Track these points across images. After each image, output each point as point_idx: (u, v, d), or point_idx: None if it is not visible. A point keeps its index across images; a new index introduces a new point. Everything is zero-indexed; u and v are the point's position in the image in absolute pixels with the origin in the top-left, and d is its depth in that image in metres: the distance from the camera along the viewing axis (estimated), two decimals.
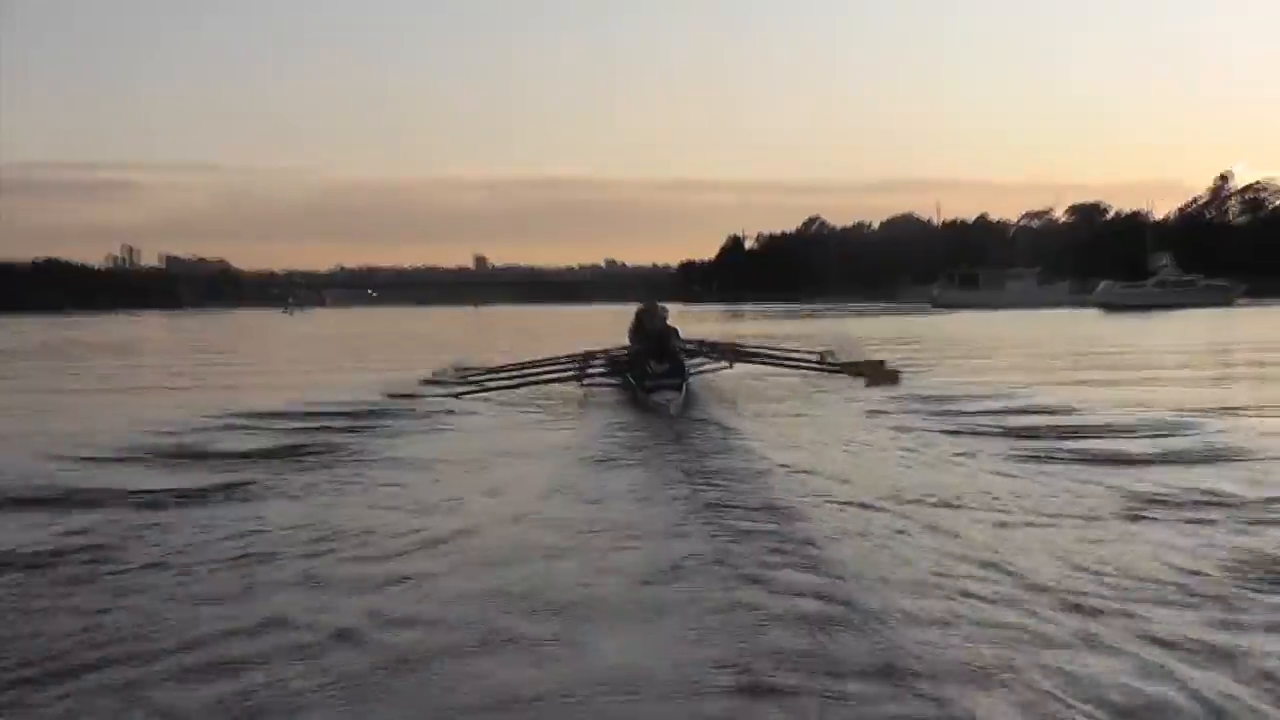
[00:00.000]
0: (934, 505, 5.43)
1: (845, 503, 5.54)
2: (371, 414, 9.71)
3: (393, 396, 11.10)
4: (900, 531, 4.93)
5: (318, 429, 8.72)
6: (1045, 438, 7.61)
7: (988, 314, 58.57)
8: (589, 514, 5.36)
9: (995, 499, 5.56)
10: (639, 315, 12.88)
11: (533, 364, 13.91)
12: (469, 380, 12.85)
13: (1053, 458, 6.84)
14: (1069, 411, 9.19)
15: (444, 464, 7.05)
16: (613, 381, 12.35)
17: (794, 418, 9.56)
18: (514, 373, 13.40)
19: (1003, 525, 5.05)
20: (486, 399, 11.33)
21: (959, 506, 5.40)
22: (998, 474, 6.28)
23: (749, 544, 4.65)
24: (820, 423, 9.14)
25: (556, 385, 12.27)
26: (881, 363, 13.89)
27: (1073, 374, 14.78)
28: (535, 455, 7.50)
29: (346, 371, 16.99)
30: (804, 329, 37.73)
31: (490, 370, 14.19)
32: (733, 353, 13.35)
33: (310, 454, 7.47)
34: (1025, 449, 7.13)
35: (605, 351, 13.40)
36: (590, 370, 12.52)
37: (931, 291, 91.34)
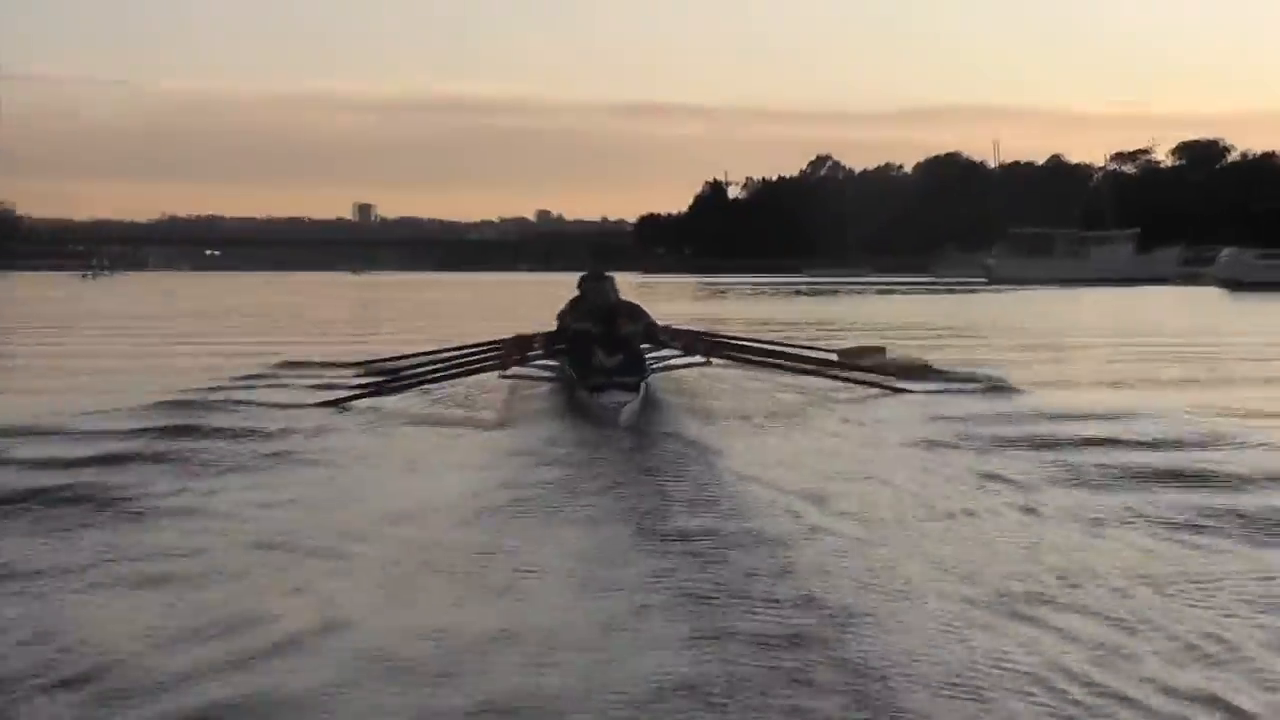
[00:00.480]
0: (1105, 622, 4.84)
1: (945, 608, 4.97)
2: (164, 436, 9.42)
3: (198, 407, 11.20)
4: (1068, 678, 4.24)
5: (63, 465, 8.20)
6: (1194, 485, 7.55)
7: (1067, 292, 58.73)
8: (486, 621, 4.82)
9: (1194, 601, 5.14)
10: (580, 286, 13.24)
11: (434, 354, 14.51)
12: (332, 381, 13.30)
13: (1215, 520, 6.60)
14: (1220, 443, 9.13)
15: (248, 526, 6.56)
16: (546, 373, 12.76)
17: (809, 441, 9.65)
18: (408, 367, 13.83)
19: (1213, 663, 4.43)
20: (358, 408, 11.40)
21: (1140, 626, 4.80)
22: (1161, 552, 5.99)
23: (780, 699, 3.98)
24: (853, 453, 9.13)
25: (466, 380, 12.67)
26: (926, 365, 14.75)
27: (1215, 387, 14.29)
28: (415, 501, 7.20)
29: (130, 373, 16.26)
30: (808, 312, 37.44)
31: (368, 364, 14.94)
32: (711, 344, 13.63)
33: (60, 503, 7.05)
34: (1174, 508, 6.87)
35: (539, 336, 13.74)
36: (517, 359, 12.84)
37: (985, 261, 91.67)
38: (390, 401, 11.67)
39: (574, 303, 13.35)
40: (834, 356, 15.00)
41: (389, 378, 13.05)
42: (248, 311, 39.99)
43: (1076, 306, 41.77)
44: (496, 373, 12.37)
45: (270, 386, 13.02)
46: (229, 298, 54.83)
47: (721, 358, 13.41)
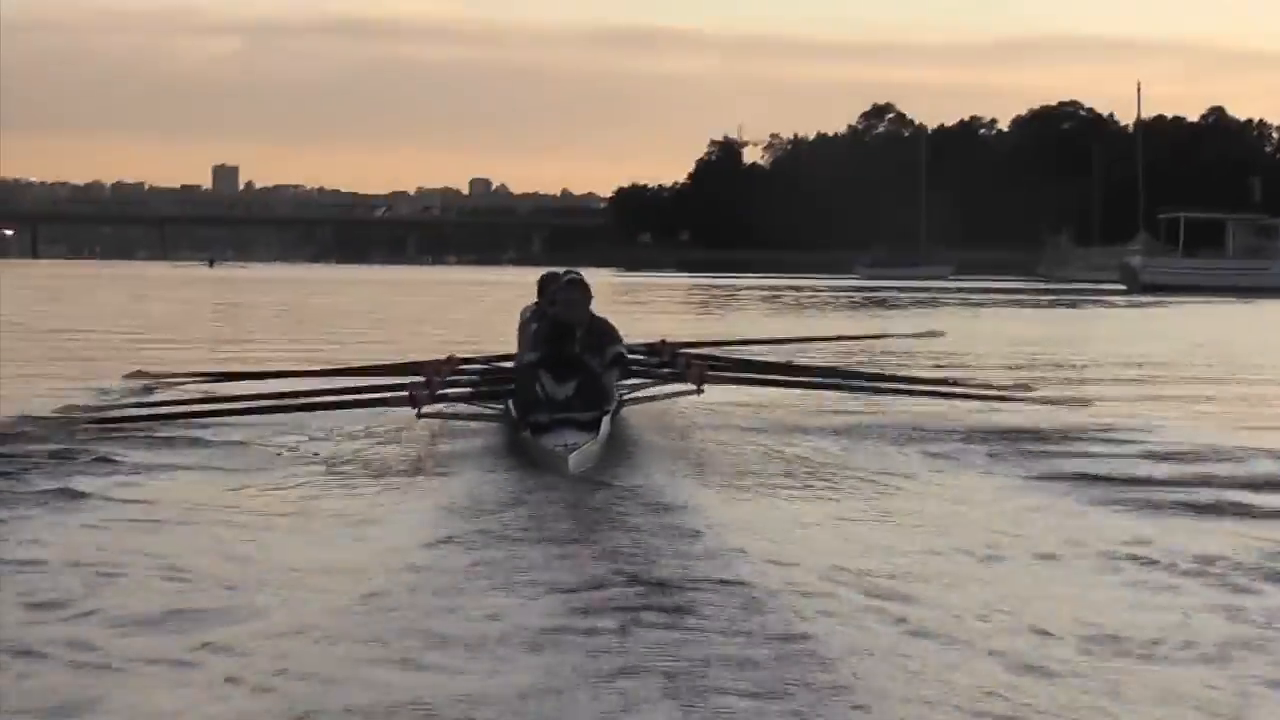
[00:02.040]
0: None
1: None
2: None
3: None
4: None
5: None
6: None
7: (1258, 307, 58.45)
8: None
9: None
10: (540, 290, 14.21)
11: (317, 374, 16.24)
12: (163, 401, 14.75)
13: None
14: None
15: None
16: (486, 408, 13.59)
17: (844, 503, 10.17)
18: (281, 391, 14.95)
19: None
20: (200, 439, 12.52)
21: None
22: None
23: None
24: (914, 523, 9.49)
25: (366, 416, 13.77)
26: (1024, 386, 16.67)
27: None
28: (264, 594, 7.43)
29: None
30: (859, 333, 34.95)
31: (205, 379, 16.90)
32: (702, 365, 14.37)
33: None
34: None
35: (473, 361, 14.92)
36: (441, 390, 13.59)
37: (1126, 259, 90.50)
38: (226, 433, 12.84)
39: (530, 314, 14.26)
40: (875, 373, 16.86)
41: (245, 401, 14.10)
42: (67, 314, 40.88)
43: None
44: (415, 409, 12.93)
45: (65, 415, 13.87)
46: (47, 294, 56.23)
47: (719, 383, 14.13)
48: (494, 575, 7.63)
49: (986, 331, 38.02)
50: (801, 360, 18.30)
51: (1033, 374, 21.06)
